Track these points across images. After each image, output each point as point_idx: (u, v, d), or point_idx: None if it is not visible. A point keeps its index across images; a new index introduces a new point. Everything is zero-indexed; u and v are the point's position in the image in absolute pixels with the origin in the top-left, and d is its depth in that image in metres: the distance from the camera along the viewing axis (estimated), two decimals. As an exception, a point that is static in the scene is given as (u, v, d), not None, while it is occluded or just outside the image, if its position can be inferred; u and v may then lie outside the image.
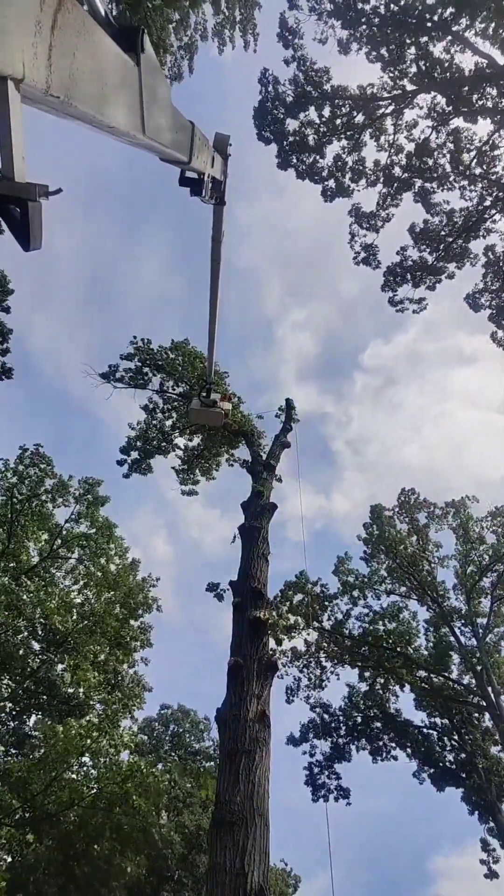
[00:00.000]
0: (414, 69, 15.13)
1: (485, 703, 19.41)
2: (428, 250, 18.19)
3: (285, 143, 16.84)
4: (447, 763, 20.49)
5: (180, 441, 17.09)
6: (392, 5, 14.11)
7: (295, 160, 17.17)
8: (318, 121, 16.66)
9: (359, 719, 21.47)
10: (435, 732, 21.39)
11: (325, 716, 21.54)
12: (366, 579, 22.98)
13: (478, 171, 17.18)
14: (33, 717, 18.51)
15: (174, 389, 16.91)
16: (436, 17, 14.05)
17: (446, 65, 14.83)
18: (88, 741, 14.58)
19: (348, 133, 16.92)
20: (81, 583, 20.21)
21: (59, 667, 18.06)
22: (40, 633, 17.74)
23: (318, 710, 21.60)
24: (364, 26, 14.63)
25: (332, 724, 21.41)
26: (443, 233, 17.88)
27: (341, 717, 21.57)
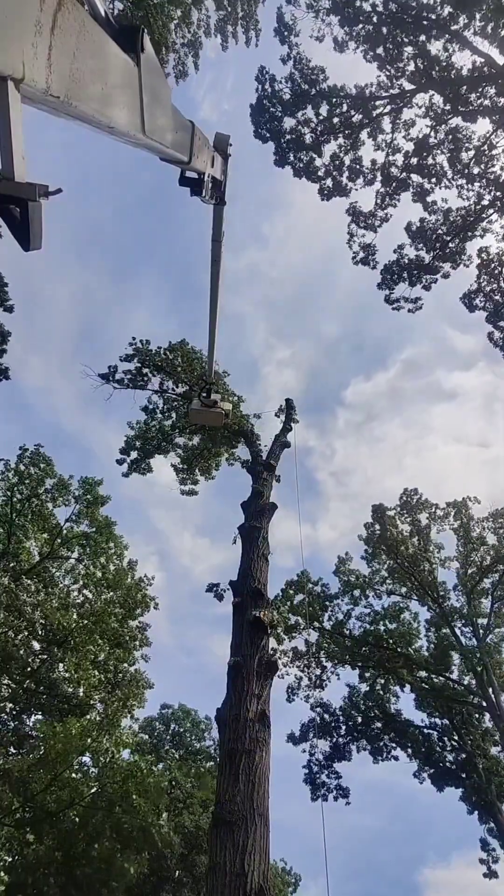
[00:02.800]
0: (412, 68, 15.12)
1: (485, 704, 19.43)
2: (425, 249, 18.19)
3: (282, 140, 16.83)
4: (447, 763, 20.52)
5: (180, 440, 17.09)
6: (390, 3, 14.09)
7: (292, 158, 17.16)
8: (315, 119, 16.65)
9: (359, 719, 21.49)
10: (435, 732, 21.42)
11: (326, 715, 21.57)
12: (366, 579, 23.00)
13: (476, 170, 17.18)
14: (33, 717, 18.51)
15: (174, 390, 16.90)
16: (434, 16, 14.04)
17: (444, 63, 14.82)
18: (89, 740, 14.57)
19: (346, 132, 16.91)
20: (81, 582, 20.20)
21: (60, 666, 18.05)
22: (40, 632, 17.73)
23: (318, 709, 21.64)
24: (361, 24, 14.61)
25: (333, 724, 21.43)
26: (440, 231, 17.88)
27: (341, 717, 21.59)
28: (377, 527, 23.29)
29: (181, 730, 30.44)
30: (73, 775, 15.47)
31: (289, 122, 16.69)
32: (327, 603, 22.07)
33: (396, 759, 21.01)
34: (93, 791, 15.23)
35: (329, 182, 17.54)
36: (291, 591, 20.75)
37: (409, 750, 20.91)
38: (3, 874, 14.20)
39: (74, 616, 18.38)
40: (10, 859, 15.48)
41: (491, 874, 19.11)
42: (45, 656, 17.61)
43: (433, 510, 23.67)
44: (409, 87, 15.66)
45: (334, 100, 16.22)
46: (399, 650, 21.25)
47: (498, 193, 17.13)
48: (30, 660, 17.58)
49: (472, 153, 16.64)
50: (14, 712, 17.63)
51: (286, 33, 15.81)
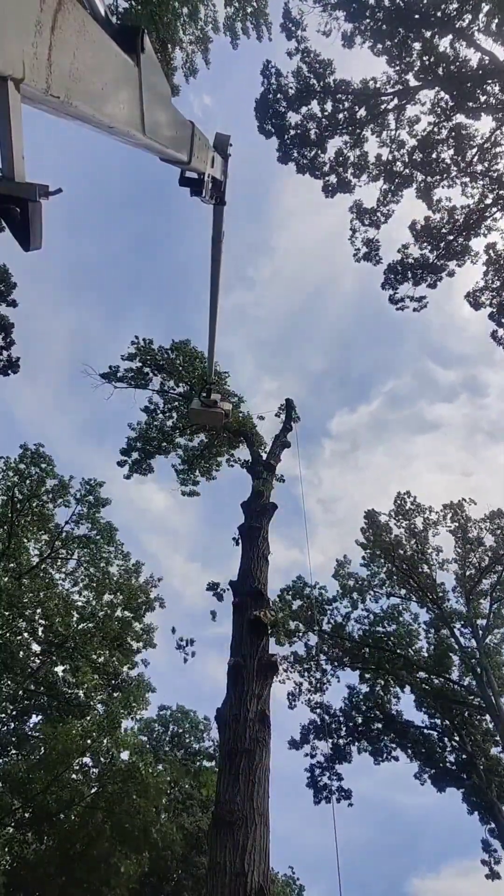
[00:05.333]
0: (418, 64, 15.04)
1: (485, 705, 19.42)
2: (429, 248, 18.16)
3: (286, 136, 16.77)
4: (448, 764, 20.52)
5: (181, 441, 17.05)
6: (397, -1, 14.00)
7: (296, 154, 17.11)
8: (319, 115, 16.57)
9: (359, 720, 21.48)
10: (435, 733, 21.40)
11: (326, 717, 21.53)
12: (365, 582, 23.02)
13: (479, 168, 17.13)
14: (34, 718, 18.49)
15: (175, 389, 16.86)
16: (440, 13, 13.95)
17: (450, 59, 14.75)
18: (89, 741, 14.55)
19: (350, 128, 16.84)
20: (81, 584, 20.17)
21: (60, 668, 18.03)
22: (40, 634, 17.72)
23: (318, 710, 21.59)
24: (368, 19, 14.52)
25: (333, 726, 21.41)
26: (444, 230, 17.84)
27: (342, 719, 21.58)
28: (371, 532, 23.34)
29: (180, 730, 30.41)
30: (74, 776, 15.44)
31: (294, 118, 16.62)
32: (326, 607, 22.06)
33: (397, 759, 21.02)
34: (93, 791, 15.22)
35: (333, 178, 17.49)
36: (289, 597, 20.73)
37: (410, 751, 20.89)
38: (2, 875, 14.20)
39: (75, 618, 18.34)
40: (10, 859, 15.46)
41: (493, 875, 19.15)
42: (45, 658, 17.60)
43: (428, 513, 23.73)
44: (414, 83, 15.59)
45: (339, 95, 16.13)
46: (399, 652, 21.24)
47: (501, 192, 17.06)
48: (30, 661, 17.57)
49: (475, 150, 16.59)
50: (14, 713, 17.63)
51: (293, 28, 15.71)
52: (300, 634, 20.11)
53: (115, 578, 19.89)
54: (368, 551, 23.36)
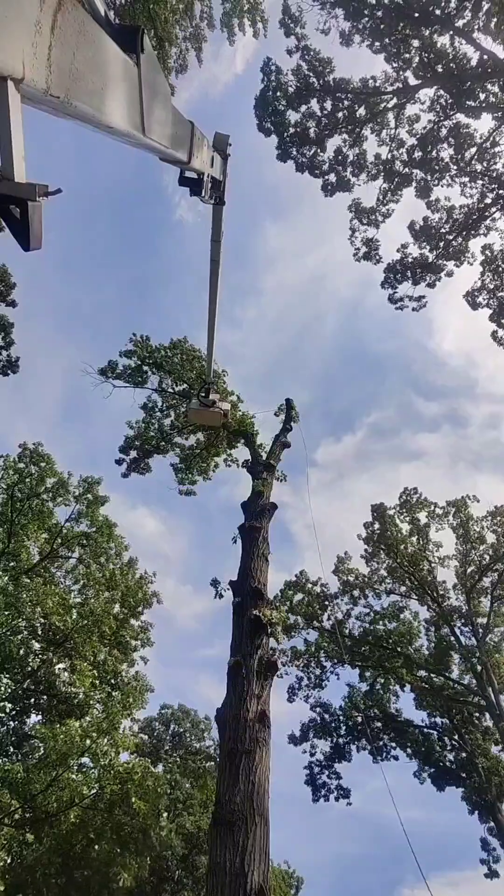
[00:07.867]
0: (416, 61, 15.02)
1: (485, 703, 19.45)
2: (428, 247, 18.16)
3: (286, 134, 16.76)
4: (447, 763, 20.57)
5: (179, 440, 17.04)
6: (395, -3, 13.96)
7: (295, 152, 17.09)
8: (319, 113, 16.55)
9: (359, 719, 21.52)
10: (435, 732, 21.46)
11: (326, 715, 21.58)
12: (366, 579, 23.03)
13: (478, 167, 17.12)
14: (33, 718, 18.50)
15: (173, 388, 16.84)
16: (439, 10, 13.92)
17: (450, 57, 14.73)
18: (88, 741, 14.53)
19: (349, 126, 16.82)
20: (81, 582, 20.21)
21: (59, 667, 18.04)
22: (40, 632, 17.71)
23: (318, 709, 21.63)
24: (367, 17, 14.50)
25: (333, 724, 21.45)
26: (443, 230, 17.84)
27: (341, 717, 21.62)
28: (377, 525, 23.30)
29: (181, 730, 30.48)
30: (73, 776, 15.44)
31: (293, 116, 16.60)
32: (326, 602, 22.09)
33: (396, 758, 21.12)
34: (93, 792, 15.22)
35: (332, 177, 17.47)
36: (290, 592, 20.79)
37: (409, 749, 20.96)
38: (9, 875, 14.20)
39: (74, 616, 18.34)
40: (9, 860, 15.46)
41: (492, 874, 19.22)
42: (45, 657, 17.59)
43: (432, 508, 23.71)
44: (414, 81, 15.56)
45: (339, 94, 16.10)
46: (399, 650, 21.27)
47: (501, 191, 17.06)
48: (29, 660, 17.56)
49: (474, 150, 16.58)
50: (14, 712, 17.63)
51: (292, 25, 15.68)
52: (300, 629, 20.16)
53: (111, 576, 19.94)
54: (371, 546, 23.36)
